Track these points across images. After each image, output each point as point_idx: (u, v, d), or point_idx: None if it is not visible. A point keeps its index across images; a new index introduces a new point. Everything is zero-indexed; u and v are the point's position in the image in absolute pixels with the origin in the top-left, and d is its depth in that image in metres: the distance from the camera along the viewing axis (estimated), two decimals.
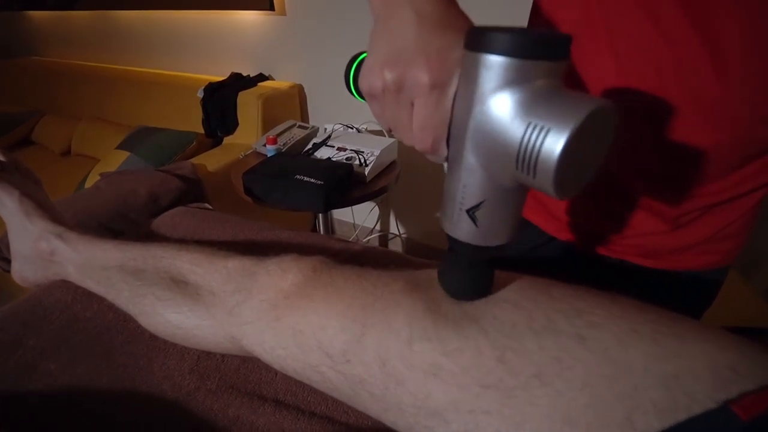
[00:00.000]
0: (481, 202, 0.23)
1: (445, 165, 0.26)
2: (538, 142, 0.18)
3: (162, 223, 0.62)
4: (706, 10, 0.30)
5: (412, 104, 0.25)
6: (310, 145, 1.13)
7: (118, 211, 0.75)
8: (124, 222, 0.73)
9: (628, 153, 0.40)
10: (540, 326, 0.25)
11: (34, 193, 0.53)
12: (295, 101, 1.53)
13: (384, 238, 1.75)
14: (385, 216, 1.69)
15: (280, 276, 0.34)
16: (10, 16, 2.31)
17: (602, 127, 0.19)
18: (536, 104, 0.19)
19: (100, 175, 0.90)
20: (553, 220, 0.51)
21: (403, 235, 1.69)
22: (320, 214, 1.23)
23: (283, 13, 1.41)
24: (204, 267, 0.40)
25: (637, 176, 0.42)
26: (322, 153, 1.08)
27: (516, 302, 0.27)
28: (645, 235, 0.46)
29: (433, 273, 0.32)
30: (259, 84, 1.48)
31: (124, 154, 1.39)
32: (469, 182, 0.23)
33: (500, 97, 0.20)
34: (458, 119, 0.23)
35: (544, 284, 0.29)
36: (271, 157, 1.06)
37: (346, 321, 0.29)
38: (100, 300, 0.45)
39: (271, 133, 1.17)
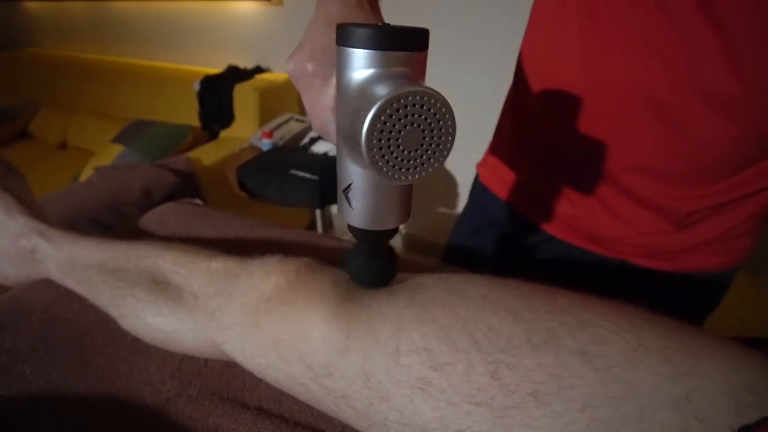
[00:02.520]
0: (350, 184, 0.25)
1: None
2: (357, 125, 0.20)
3: (150, 219, 0.61)
4: (717, 2, 0.28)
5: None
6: (306, 139, 1.11)
7: (110, 205, 0.73)
8: (116, 217, 0.72)
9: (632, 150, 0.39)
10: (540, 340, 0.23)
11: (16, 189, 0.51)
12: (293, 94, 1.50)
13: None
14: None
15: (262, 278, 0.32)
16: (6, 6, 2.27)
17: (426, 111, 0.20)
18: (366, 89, 0.21)
19: (95, 169, 0.89)
20: (551, 218, 0.49)
21: (403, 231, 1.67)
22: (318, 209, 1.21)
23: (279, 2, 1.38)
24: (187, 268, 0.38)
25: (642, 174, 0.40)
26: (319, 147, 1.06)
27: (516, 311, 0.25)
28: (649, 235, 0.44)
29: (423, 278, 0.30)
30: (256, 76, 1.46)
31: (119, 148, 1.37)
32: (340, 165, 0.25)
33: (351, 85, 0.22)
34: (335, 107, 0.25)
35: (548, 292, 0.27)
36: (266, 151, 1.04)
37: (330, 331, 0.27)
38: (82, 300, 0.43)
39: (268, 127, 1.15)
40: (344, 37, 0.22)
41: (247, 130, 1.39)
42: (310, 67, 0.26)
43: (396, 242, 1.72)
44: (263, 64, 1.54)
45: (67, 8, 2.02)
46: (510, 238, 0.53)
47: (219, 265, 0.37)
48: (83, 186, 0.80)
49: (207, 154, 1.27)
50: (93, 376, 0.36)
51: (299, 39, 0.27)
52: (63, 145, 1.89)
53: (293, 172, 0.86)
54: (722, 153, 0.35)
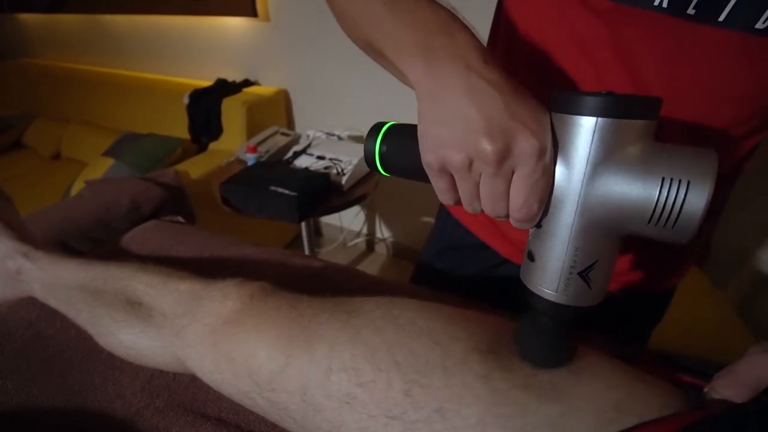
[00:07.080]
0: (595, 262, 0.23)
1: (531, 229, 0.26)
2: (680, 196, 0.19)
3: (132, 238, 0.64)
4: (634, 55, 0.32)
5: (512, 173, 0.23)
6: (290, 153, 1.14)
7: (99, 220, 0.76)
8: (106, 231, 0.75)
9: None
10: (452, 364, 0.27)
11: (3, 212, 0.54)
12: (281, 107, 1.54)
13: (370, 242, 1.76)
14: (371, 220, 1.71)
15: (220, 302, 0.36)
16: (0, 18, 2.31)
17: None
18: (660, 160, 0.20)
19: (85, 182, 0.91)
20: (506, 243, 0.52)
21: (389, 239, 1.70)
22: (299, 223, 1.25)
23: (266, 19, 1.42)
24: (158, 289, 0.42)
25: None
26: (302, 161, 1.09)
27: (437, 337, 0.28)
28: None
29: (364, 302, 0.34)
30: (244, 90, 1.49)
31: (109, 161, 1.40)
32: (583, 244, 0.23)
33: (616, 158, 0.21)
34: (562, 183, 0.23)
35: (476, 319, 0.31)
36: (249, 166, 1.08)
37: (273, 351, 0.30)
38: (64, 317, 0.46)
39: (253, 141, 1.18)
40: (603, 107, 0.20)
41: (235, 143, 1.43)
42: (537, 144, 0.22)
43: (382, 250, 1.75)
44: (251, 78, 1.57)
45: (61, 20, 2.06)
46: (471, 261, 0.57)
47: (187, 286, 0.40)
48: (74, 200, 0.83)
49: (195, 167, 1.31)
50: (70, 390, 0.40)
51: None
52: (57, 156, 1.92)
53: (273, 188, 0.89)
54: None
